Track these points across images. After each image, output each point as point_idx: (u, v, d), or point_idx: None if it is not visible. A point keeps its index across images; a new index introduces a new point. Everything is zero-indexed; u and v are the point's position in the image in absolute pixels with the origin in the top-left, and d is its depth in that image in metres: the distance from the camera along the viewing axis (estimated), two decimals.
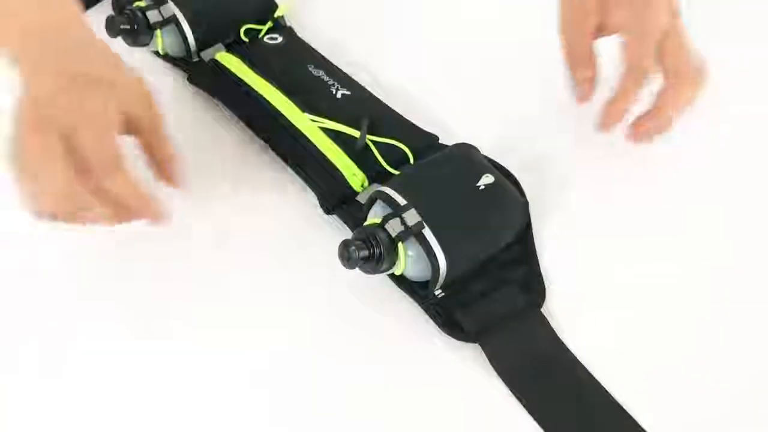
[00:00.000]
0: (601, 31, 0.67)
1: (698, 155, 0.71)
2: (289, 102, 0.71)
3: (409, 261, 0.60)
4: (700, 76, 0.66)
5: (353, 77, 0.74)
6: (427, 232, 0.58)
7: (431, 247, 0.58)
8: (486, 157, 0.66)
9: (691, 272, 0.64)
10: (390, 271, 0.60)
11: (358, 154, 0.68)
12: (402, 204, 0.59)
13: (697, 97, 0.66)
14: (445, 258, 0.59)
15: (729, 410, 0.57)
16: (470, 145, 0.66)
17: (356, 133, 0.68)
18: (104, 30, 0.74)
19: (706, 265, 0.64)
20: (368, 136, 0.68)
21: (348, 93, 0.72)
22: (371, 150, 0.68)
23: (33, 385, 0.58)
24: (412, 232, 0.58)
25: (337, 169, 0.67)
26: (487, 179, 0.63)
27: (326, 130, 0.69)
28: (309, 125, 0.69)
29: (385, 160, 0.67)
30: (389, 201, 0.60)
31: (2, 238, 0.64)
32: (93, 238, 0.63)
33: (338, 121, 0.69)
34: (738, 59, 0.75)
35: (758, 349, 0.60)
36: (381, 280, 0.62)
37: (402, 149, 0.68)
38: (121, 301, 0.62)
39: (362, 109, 0.71)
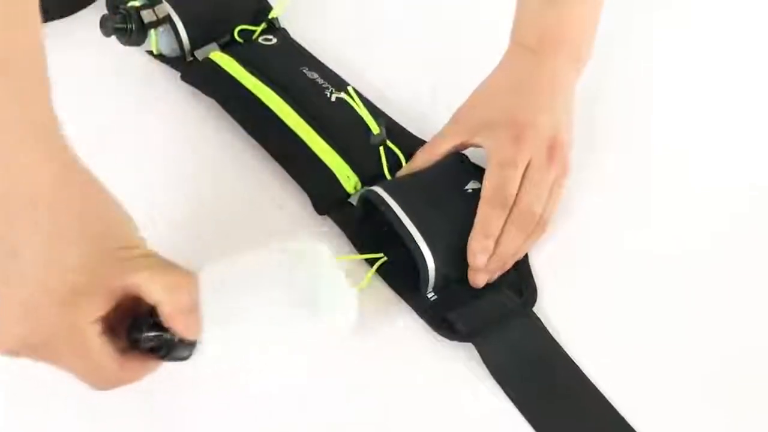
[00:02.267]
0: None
1: (696, 155, 0.73)
2: (283, 103, 0.71)
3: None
4: (540, 226, 0.63)
5: (347, 81, 0.75)
6: (414, 232, 0.59)
7: (419, 247, 0.59)
8: (476, 165, 0.66)
9: (684, 273, 0.65)
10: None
11: (353, 156, 0.68)
12: (391, 205, 0.60)
13: (527, 247, 0.63)
14: (432, 256, 0.59)
15: (721, 411, 0.57)
16: (463, 154, 0.67)
17: (375, 129, 0.68)
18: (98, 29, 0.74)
19: (700, 265, 0.65)
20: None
21: (342, 96, 0.73)
22: (366, 152, 0.68)
23: None
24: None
25: (331, 171, 0.67)
26: (474, 185, 0.64)
27: (320, 132, 0.69)
28: (303, 126, 0.70)
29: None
30: (379, 201, 0.60)
31: None
32: None
33: (333, 125, 0.70)
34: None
35: (752, 352, 0.61)
36: (374, 281, 0.63)
37: (396, 154, 0.68)
38: None
39: (356, 113, 0.71)
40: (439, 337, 0.60)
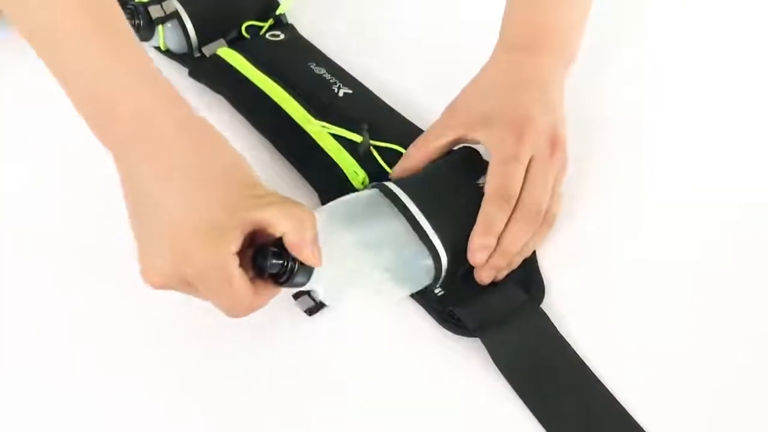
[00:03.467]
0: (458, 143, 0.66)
1: (699, 152, 0.73)
2: (291, 99, 0.71)
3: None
4: (547, 222, 0.63)
5: (354, 76, 0.75)
6: (426, 226, 0.59)
7: (432, 243, 0.59)
8: (487, 161, 0.66)
9: (691, 270, 0.65)
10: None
11: (360, 155, 0.68)
12: (404, 200, 0.60)
13: (534, 243, 0.63)
14: (445, 250, 0.59)
15: (726, 408, 0.57)
16: (472, 148, 0.66)
17: (359, 138, 0.68)
18: None
19: (705, 262, 0.65)
20: (370, 141, 0.68)
21: (350, 92, 0.73)
22: (373, 153, 0.68)
23: None
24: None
25: (339, 167, 0.67)
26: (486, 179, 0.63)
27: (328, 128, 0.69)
28: (311, 122, 0.70)
29: (386, 161, 0.67)
30: (389, 194, 0.60)
31: None
32: None
33: (341, 120, 0.70)
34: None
35: (758, 350, 0.60)
36: None
37: (402, 152, 0.68)
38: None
39: (364, 109, 0.71)
40: (446, 332, 0.60)
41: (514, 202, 0.61)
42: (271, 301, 0.60)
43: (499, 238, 0.61)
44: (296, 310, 0.61)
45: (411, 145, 0.66)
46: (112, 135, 0.53)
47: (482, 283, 0.61)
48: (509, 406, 0.57)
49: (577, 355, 0.59)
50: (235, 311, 0.54)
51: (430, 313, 0.61)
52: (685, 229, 0.68)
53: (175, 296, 0.61)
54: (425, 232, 0.59)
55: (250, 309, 0.54)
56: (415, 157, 0.65)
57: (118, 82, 0.52)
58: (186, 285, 0.53)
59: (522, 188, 0.61)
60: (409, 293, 0.61)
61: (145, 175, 0.52)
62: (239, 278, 0.52)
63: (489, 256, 0.60)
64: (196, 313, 0.61)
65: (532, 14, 0.69)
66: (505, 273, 0.62)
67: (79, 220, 0.66)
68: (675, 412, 0.57)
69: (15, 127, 0.74)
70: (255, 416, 0.57)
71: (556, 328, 0.60)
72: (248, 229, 0.52)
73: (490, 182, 0.61)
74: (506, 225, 0.61)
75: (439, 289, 0.61)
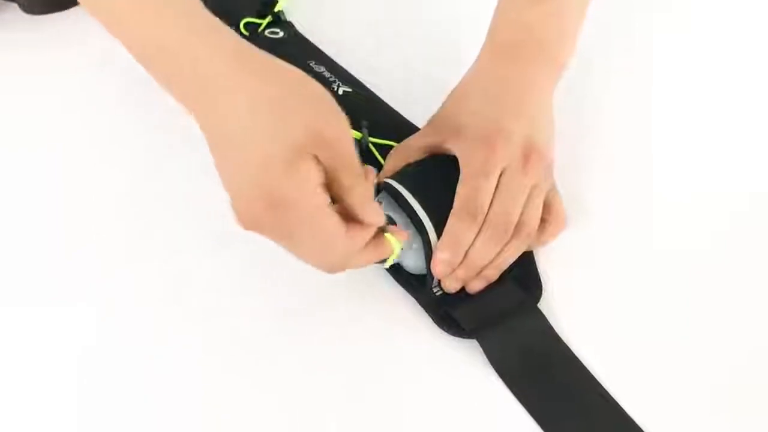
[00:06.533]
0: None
1: (698, 153, 0.73)
2: None
3: (411, 253, 0.60)
4: (519, 236, 0.61)
5: (353, 74, 0.75)
6: (428, 225, 0.59)
7: (431, 241, 0.59)
8: None
9: (689, 270, 0.65)
10: (388, 263, 0.61)
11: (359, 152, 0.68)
12: (405, 195, 0.60)
13: (509, 255, 0.61)
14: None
15: (724, 409, 0.57)
16: None
17: (358, 135, 0.68)
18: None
19: (704, 263, 0.65)
20: (369, 138, 0.68)
21: (349, 90, 0.73)
22: (372, 150, 0.68)
23: None
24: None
25: None
26: None
27: None
28: None
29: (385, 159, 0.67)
30: (392, 191, 0.60)
31: None
32: None
33: None
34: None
35: (758, 349, 0.60)
36: (378, 275, 0.63)
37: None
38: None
39: (364, 107, 0.71)
40: (443, 333, 0.60)
41: (481, 216, 0.60)
42: (269, 302, 0.60)
43: (467, 251, 0.60)
44: (291, 310, 0.61)
45: (391, 152, 0.66)
46: (184, 86, 0.52)
47: (449, 291, 0.61)
48: (505, 407, 0.57)
49: (574, 355, 0.59)
50: (327, 253, 0.53)
51: (427, 313, 0.61)
52: (684, 230, 0.68)
53: (177, 294, 0.61)
54: (427, 231, 0.59)
55: (344, 253, 0.53)
56: (393, 164, 0.64)
57: (177, 33, 0.53)
58: (275, 226, 0.52)
59: (491, 202, 0.60)
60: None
61: (230, 114, 0.51)
62: (326, 207, 0.51)
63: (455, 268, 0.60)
64: (196, 315, 0.61)
65: (523, 18, 0.67)
66: (479, 285, 0.61)
67: (80, 218, 0.67)
68: (672, 411, 0.57)
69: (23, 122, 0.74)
70: (252, 416, 0.57)
71: (552, 328, 0.60)
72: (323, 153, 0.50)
73: (458, 196, 0.60)
74: (474, 238, 0.60)
75: (438, 289, 0.62)
